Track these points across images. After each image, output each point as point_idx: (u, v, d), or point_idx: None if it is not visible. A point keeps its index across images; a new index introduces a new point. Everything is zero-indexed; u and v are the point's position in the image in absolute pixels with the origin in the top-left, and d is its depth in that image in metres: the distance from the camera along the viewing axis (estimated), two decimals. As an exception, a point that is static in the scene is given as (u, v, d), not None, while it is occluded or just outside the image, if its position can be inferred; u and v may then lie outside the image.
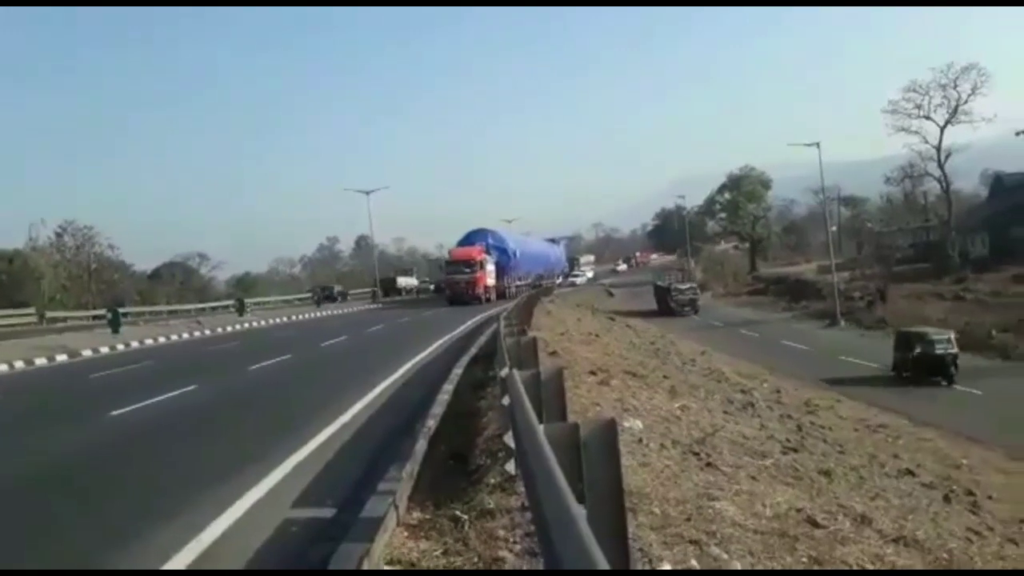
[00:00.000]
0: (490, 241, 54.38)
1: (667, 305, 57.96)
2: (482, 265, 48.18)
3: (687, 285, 61.31)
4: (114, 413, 11.96)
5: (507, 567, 4.58)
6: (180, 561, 5.20)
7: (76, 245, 56.09)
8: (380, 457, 7.94)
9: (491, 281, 50.45)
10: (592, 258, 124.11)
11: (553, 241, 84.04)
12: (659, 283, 64.74)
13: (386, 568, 4.80)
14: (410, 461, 7.27)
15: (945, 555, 7.28)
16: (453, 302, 45.69)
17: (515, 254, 56.47)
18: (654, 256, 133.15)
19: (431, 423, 9.36)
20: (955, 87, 60.29)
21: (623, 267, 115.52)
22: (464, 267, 47.97)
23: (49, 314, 42.16)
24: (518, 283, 57.91)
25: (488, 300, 47.06)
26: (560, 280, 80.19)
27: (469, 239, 54.41)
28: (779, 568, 5.04)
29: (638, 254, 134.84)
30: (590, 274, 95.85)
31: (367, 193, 63.94)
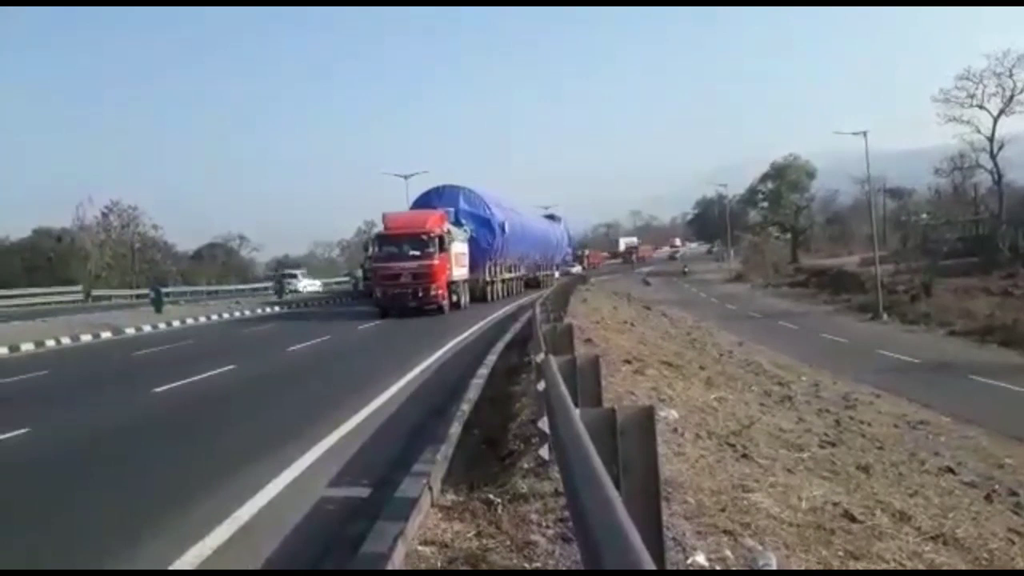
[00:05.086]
0: (463, 206, 34.69)
1: None
2: (443, 243, 28.26)
3: None
4: (157, 390, 12.24)
5: (540, 551, 4.59)
6: (219, 537, 5.32)
7: (121, 225, 57.38)
8: (413, 439, 8.03)
9: (461, 271, 31.24)
10: None
11: (553, 218, 59.70)
12: None
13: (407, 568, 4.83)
14: (445, 444, 7.33)
15: (986, 555, 7.13)
16: (389, 311, 27.41)
17: (503, 229, 36.13)
18: (604, 254, 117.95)
19: (465, 407, 9.42)
20: (1010, 75, 58.68)
21: (577, 269, 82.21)
22: (409, 246, 27.82)
23: (94, 292, 43.24)
24: (506, 276, 39.07)
25: (456, 305, 29.51)
26: (559, 272, 58.93)
27: (427, 199, 34.68)
28: (815, 560, 4.99)
29: (587, 253, 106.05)
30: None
31: (405, 178, 64.10)
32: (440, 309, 27.89)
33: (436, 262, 27.63)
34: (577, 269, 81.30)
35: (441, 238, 28.29)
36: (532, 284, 44.48)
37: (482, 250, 34.53)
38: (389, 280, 27.80)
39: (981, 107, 60.13)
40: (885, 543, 5.85)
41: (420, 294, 27.44)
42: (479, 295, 33.65)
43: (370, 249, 31.58)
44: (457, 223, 32.71)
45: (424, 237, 27.83)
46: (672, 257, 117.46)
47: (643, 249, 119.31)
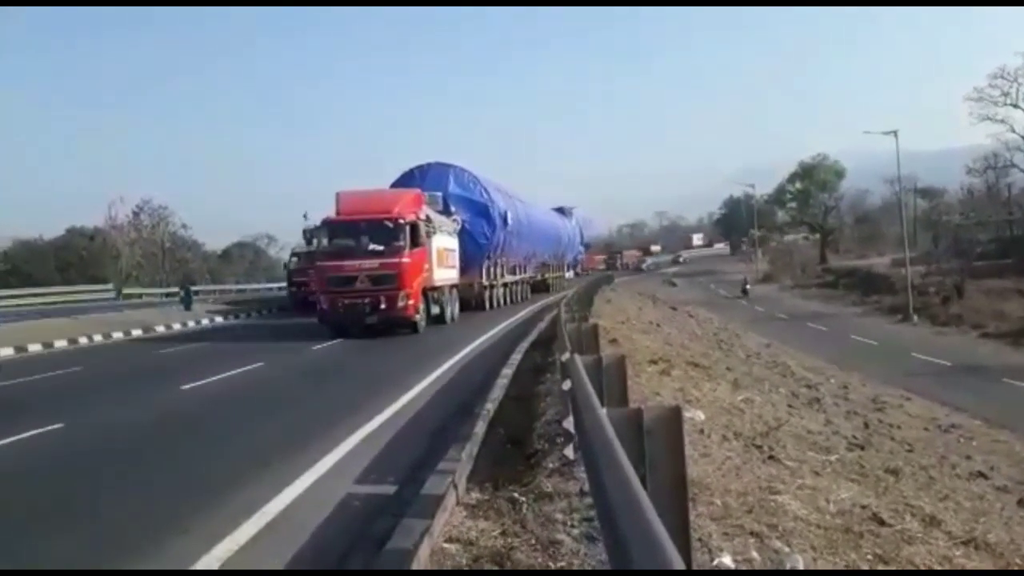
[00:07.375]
0: (453, 188, 27.34)
1: None
2: (417, 234, 20.57)
3: None
4: (184, 387, 12.39)
5: (565, 550, 4.60)
6: (246, 533, 5.39)
7: (152, 224, 58.09)
8: (437, 438, 8.05)
9: (447, 273, 24.02)
10: None
11: (563, 211, 51.20)
12: None
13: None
14: (469, 442, 7.35)
15: (1018, 560, 7.02)
16: (340, 331, 19.84)
17: (504, 220, 28.99)
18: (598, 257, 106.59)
19: (489, 406, 9.42)
20: (1046, 74, 57.43)
21: (570, 275, 63.05)
22: (369, 237, 20.21)
23: (125, 290, 43.88)
24: (509, 279, 32.09)
25: (440, 319, 22.60)
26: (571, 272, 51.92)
27: (408, 181, 26.82)
28: (842, 563, 4.94)
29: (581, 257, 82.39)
30: None
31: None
32: (413, 326, 20.47)
33: (406, 260, 19.95)
34: (570, 275, 63.95)
35: (415, 227, 20.44)
36: (540, 288, 39.44)
37: (478, 245, 27.42)
38: (338, 286, 19.92)
39: (1015, 106, 59.06)
40: (914, 547, 5.79)
41: (383, 305, 19.71)
42: (475, 303, 27.34)
43: (315, 242, 21.78)
44: (445, 210, 25.78)
45: (390, 224, 20.04)
46: (675, 261, 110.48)
47: (628, 254, 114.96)
